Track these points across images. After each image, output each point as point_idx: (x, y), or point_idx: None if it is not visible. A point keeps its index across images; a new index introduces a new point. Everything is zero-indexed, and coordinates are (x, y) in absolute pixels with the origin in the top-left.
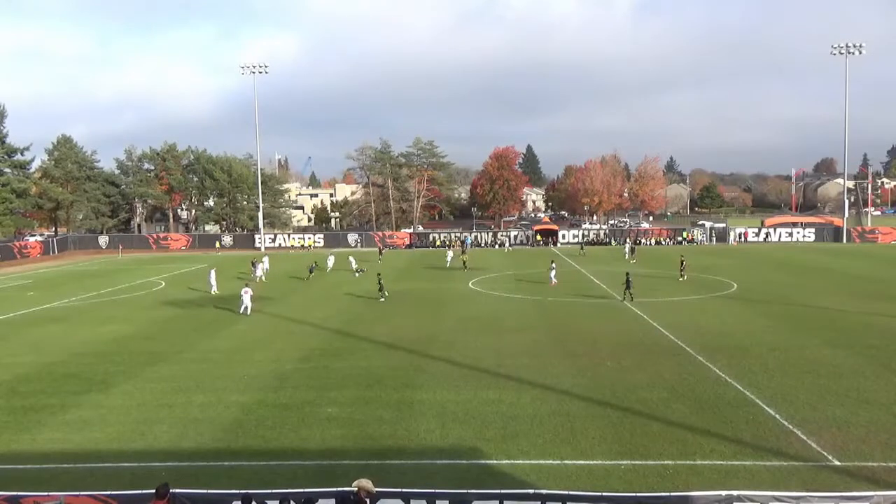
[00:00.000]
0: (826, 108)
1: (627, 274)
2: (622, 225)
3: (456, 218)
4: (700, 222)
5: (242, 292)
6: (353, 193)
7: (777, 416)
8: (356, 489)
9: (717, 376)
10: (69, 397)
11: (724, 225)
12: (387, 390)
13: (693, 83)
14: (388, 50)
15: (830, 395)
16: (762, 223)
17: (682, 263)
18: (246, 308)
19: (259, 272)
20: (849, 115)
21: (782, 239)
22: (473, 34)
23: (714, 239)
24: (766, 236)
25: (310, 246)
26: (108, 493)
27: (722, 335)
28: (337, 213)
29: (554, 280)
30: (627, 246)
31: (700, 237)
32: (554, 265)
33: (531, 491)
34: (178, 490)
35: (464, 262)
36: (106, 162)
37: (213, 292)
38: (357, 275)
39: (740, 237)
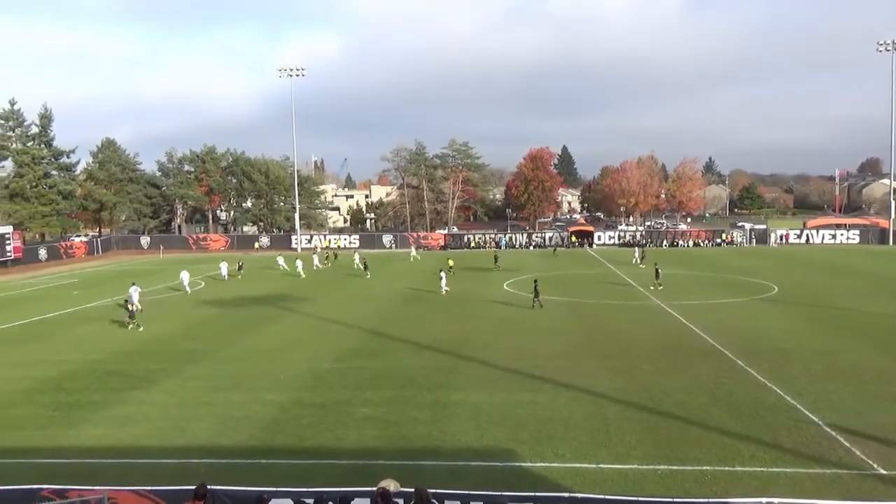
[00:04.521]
0: (871, 107)
1: (535, 281)
2: (659, 226)
3: (490, 219)
4: (739, 224)
5: (132, 290)
6: (388, 195)
7: (819, 422)
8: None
9: (756, 380)
10: (112, 394)
11: (764, 226)
12: (421, 391)
13: (735, 81)
14: (426, 50)
15: (876, 401)
16: (804, 225)
17: (656, 272)
18: (136, 306)
19: (224, 271)
20: (895, 114)
21: (825, 241)
22: (513, 33)
23: (754, 241)
24: (809, 238)
25: (326, 246)
26: (150, 488)
27: (762, 338)
28: (372, 215)
29: (444, 289)
30: (637, 251)
31: (739, 239)
32: (443, 273)
33: (566, 495)
34: (216, 487)
35: (495, 258)
36: (147, 164)
37: (187, 291)
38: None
39: (781, 239)
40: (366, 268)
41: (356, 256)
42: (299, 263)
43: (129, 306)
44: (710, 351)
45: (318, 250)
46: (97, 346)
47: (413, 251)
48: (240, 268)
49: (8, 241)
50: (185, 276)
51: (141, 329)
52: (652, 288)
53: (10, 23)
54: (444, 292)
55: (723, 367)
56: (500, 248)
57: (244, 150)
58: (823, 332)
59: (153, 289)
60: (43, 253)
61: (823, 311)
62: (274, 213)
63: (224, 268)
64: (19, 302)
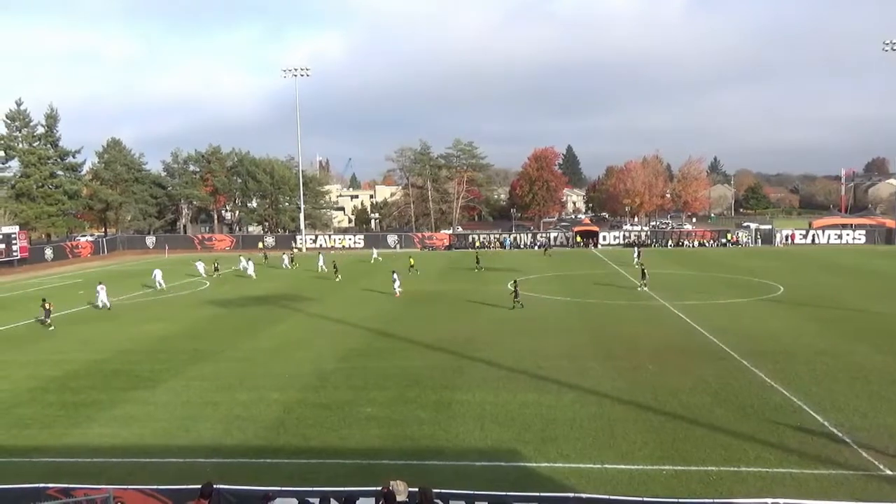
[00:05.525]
0: (877, 106)
1: (515, 281)
2: (664, 226)
3: (495, 219)
4: (745, 224)
5: (98, 288)
6: (392, 195)
7: (825, 423)
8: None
9: (762, 381)
10: (117, 393)
11: (770, 226)
12: (425, 391)
13: (740, 81)
14: (431, 50)
15: (882, 402)
16: (810, 225)
17: (643, 273)
18: (104, 303)
19: (201, 270)
20: None
21: (831, 241)
22: (518, 33)
23: (759, 241)
24: (814, 238)
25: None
26: (155, 487)
27: (768, 339)
28: (377, 215)
29: (398, 291)
30: (636, 251)
31: (745, 239)
32: (396, 275)
33: (571, 495)
34: (221, 486)
35: (477, 258)
36: (153, 164)
37: (159, 288)
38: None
39: (787, 239)
40: (336, 271)
41: (320, 259)
42: (250, 264)
43: (46, 305)
44: (716, 351)
45: (295, 251)
46: (102, 345)
47: (375, 253)
48: (216, 269)
49: (14, 241)
50: (157, 274)
51: (52, 329)
52: (639, 289)
53: (13, 23)
54: (397, 294)
55: (728, 368)
56: (505, 248)
57: (249, 150)
58: (829, 333)
59: (160, 288)
60: (49, 253)
61: (829, 311)
62: (279, 213)
63: (201, 267)
64: (25, 301)
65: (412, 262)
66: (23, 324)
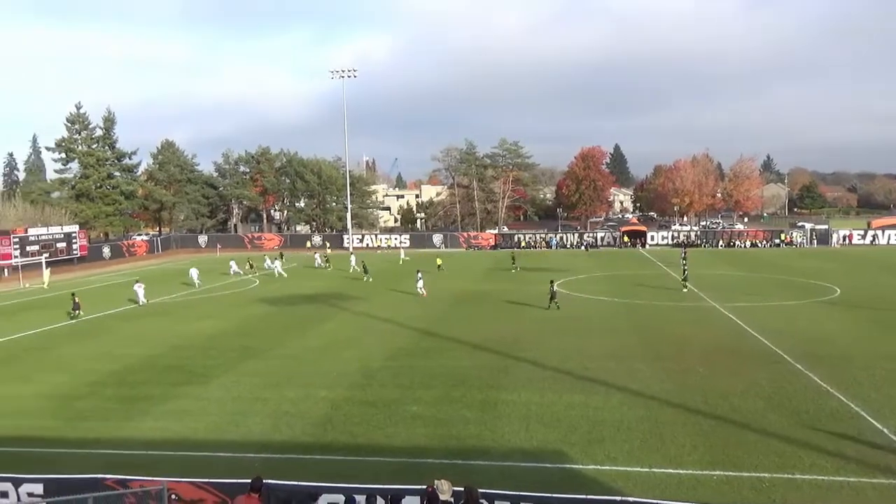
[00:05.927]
0: None
1: (552, 282)
2: (715, 226)
3: (541, 219)
4: (799, 224)
5: (136, 287)
6: (438, 194)
7: (885, 430)
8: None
9: (817, 386)
10: (170, 388)
11: (826, 226)
12: (471, 390)
13: (794, 77)
14: (477, 48)
15: None
16: (869, 224)
17: (684, 272)
18: (142, 301)
19: (235, 268)
20: None
21: (892, 241)
22: (564, 30)
23: (815, 241)
24: (874, 239)
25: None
26: (207, 480)
27: (823, 342)
28: (422, 214)
29: (422, 291)
30: (682, 251)
31: (799, 239)
32: (420, 275)
33: (618, 498)
34: (271, 481)
35: (513, 258)
36: (205, 165)
37: (197, 287)
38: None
39: (844, 239)
40: (365, 271)
41: (352, 259)
42: (276, 263)
43: (76, 298)
44: (769, 354)
45: (328, 252)
46: (156, 341)
47: (402, 254)
48: (251, 266)
49: (74, 240)
50: (194, 273)
51: (75, 320)
52: (685, 290)
53: (74, 29)
54: (420, 294)
55: (781, 372)
56: (551, 248)
57: (297, 150)
58: (889, 337)
59: (212, 286)
60: (107, 251)
61: (889, 314)
62: (326, 212)
63: (234, 266)
64: (85, 297)
65: (439, 262)
66: (83, 320)
